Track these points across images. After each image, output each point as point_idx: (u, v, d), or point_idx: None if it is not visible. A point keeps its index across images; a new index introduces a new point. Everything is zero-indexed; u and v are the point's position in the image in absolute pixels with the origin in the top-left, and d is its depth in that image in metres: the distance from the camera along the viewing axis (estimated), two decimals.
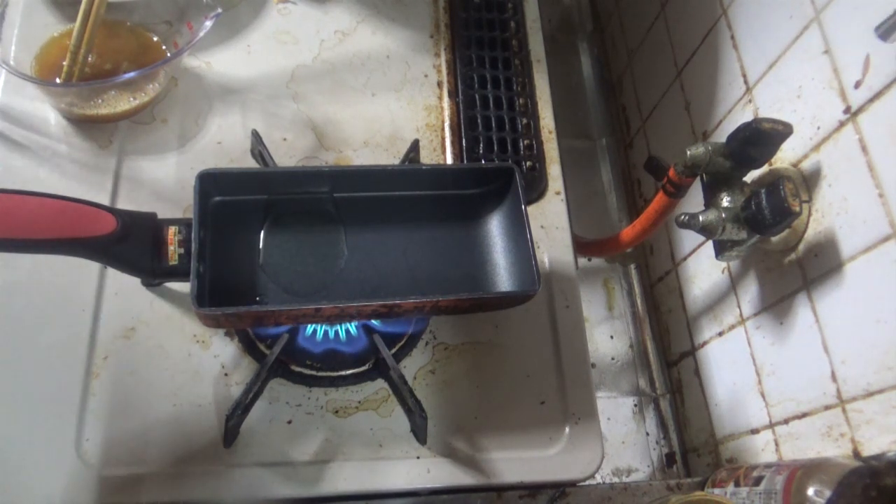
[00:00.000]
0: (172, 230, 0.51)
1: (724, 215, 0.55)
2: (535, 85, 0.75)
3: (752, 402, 0.64)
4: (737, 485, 0.55)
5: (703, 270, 0.73)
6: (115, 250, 0.49)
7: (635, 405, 0.82)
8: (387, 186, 0.59)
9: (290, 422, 0.56)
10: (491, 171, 0.60)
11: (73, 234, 0.46)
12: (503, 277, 0.58)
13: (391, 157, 0.68)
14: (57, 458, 0.52)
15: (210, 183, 0.53)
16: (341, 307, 0.50)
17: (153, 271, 0.50)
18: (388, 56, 0.74)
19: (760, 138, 0.53)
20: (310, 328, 0.57)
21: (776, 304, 0.60)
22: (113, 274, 0.58)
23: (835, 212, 0.53)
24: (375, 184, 0.58)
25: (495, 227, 0.60)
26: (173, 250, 0.50)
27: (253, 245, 0.56)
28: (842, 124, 0.52)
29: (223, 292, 0.52)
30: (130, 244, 0.49)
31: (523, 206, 0.56)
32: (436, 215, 0.60)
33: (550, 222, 0.68)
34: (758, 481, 0.52)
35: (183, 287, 0.59)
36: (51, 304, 0.57)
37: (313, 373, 0.58)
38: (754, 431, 0.64)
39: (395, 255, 0.58)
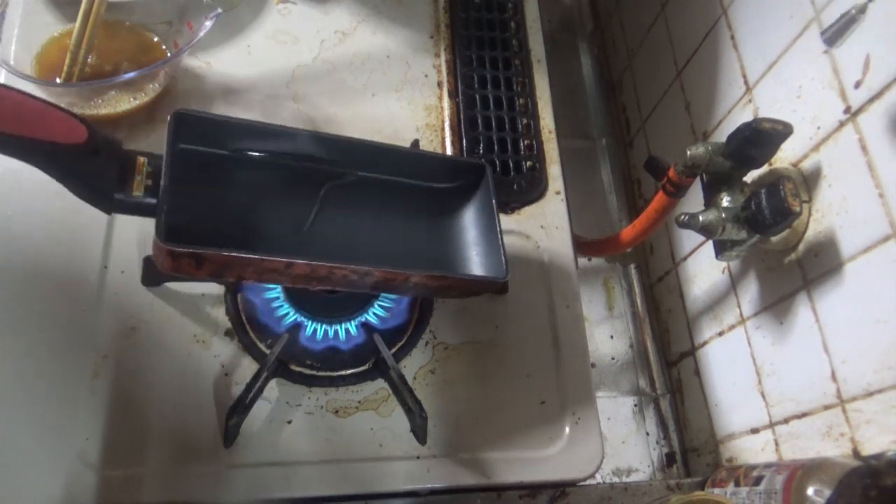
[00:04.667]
0: (142, 160, 0.48)
1: (724, 215, 0.55)
2: (535, 85, 0.75)
3: (752, 402, 0.64)
4: (737, 485, 0.55)
5: (703, 270, 0.73)
6: (81, 165, 0.46)
7: (635, 405, 0.82)
8: (367, 165, 0.58)
9: (290, 422, 0.56)
10: (463, 165, 0.62)
11: (47, 137, 0.44)
12: (473, 265, 0.59)
13: None
14: (57, 457, 0.52)
15: (185, 125, 0.50)
16: (313, 265, 0.48)
17: (114, 201, 0.47)
18: (388, 56, 0.74)
19: (760, 138, 0.53)
20: (310, 328, 0.57)
21: (776, 304, 0.60)
22: (113, 274, 0.58)
23: (835, 212, 0.53)
24: (356, 158, 0.58)
25: (467, 221, 0.61)
26: (140, 181, 0.47)
27: (221, 198, 0.54)
28: (842, 124, 0.52)
29: (185, 238, 0.47)
30: (98, 163, 0.46)
31: (493, 201, 0.58)
32: (411, 204, 0.60)
33: (550, 222, 0.68)
34: (758, 481, 0.52)
35: (183, 287, 0.59)
36: (51, 303, 0.57)
37: (313, 373, 0.58)
38: (754, 431, 0.64)
39: (367, 234, 0.57)
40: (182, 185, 0.49)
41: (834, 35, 0.49)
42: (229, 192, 0.54)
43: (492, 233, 0.57)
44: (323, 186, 0.56)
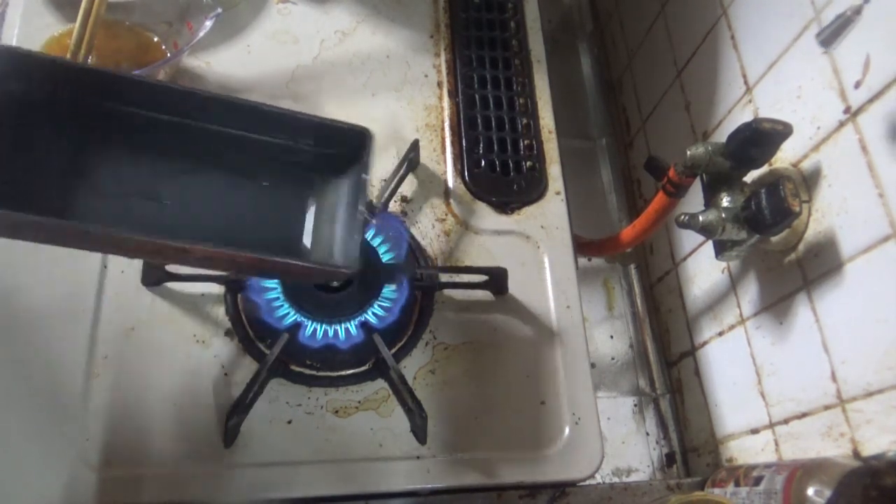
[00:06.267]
0: None
1: (724, 215, 0.55)
2: (535, 85, 0.75)
3: (752, 402, 0.64)
4: (737, 485, 0.55)
5: (703, 270, 0.73)
6: None
7: (635, 405, 0.82)
8: (227, 120, 0.50)
9: (290, 422, 0.56)
10: (340, 129, 0.53)
11: None
12: (327, 247, 0.51)
13: (391, 157, 0.67)
14: (57, 457, 0.52)
15: (9, 65, 0.43)
16: (112, 236, 0.42)
17: None
18: (388, 56, 0.74)
19: (760, 138, 0.53)
20: (310, 328, 0.57)
21: (776, 304, 0.60)
22: (113, 274, 0.58)
23: (835, 212, 0.53)
24: (214, 113, 0.50)
25: (339, 196, 0.53)
26: None
27: (48, 155, 0.46)
28: (842, 124, 0.52)
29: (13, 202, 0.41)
30: None
31: (365, 176, 0.50)
32: (275, 168, 0.53)
33: (550, 222, 0.68)
34: (758, 481, 0.52)
35: (183, 287, 0.59)
36: (51, 304, 0.57)
37: (313, 373, 0.58)
38: (754, 431, 0.64)
39: (216, 207, 0.51)
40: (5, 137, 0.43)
41: (830, 37, 0.49)
42: (59, 149, 0.47)
43: (354, 212, 0.49)
44: (174, 145, 0.49)
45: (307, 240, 0.52)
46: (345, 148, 0.52)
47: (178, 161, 0.50)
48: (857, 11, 0.48)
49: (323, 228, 0.52)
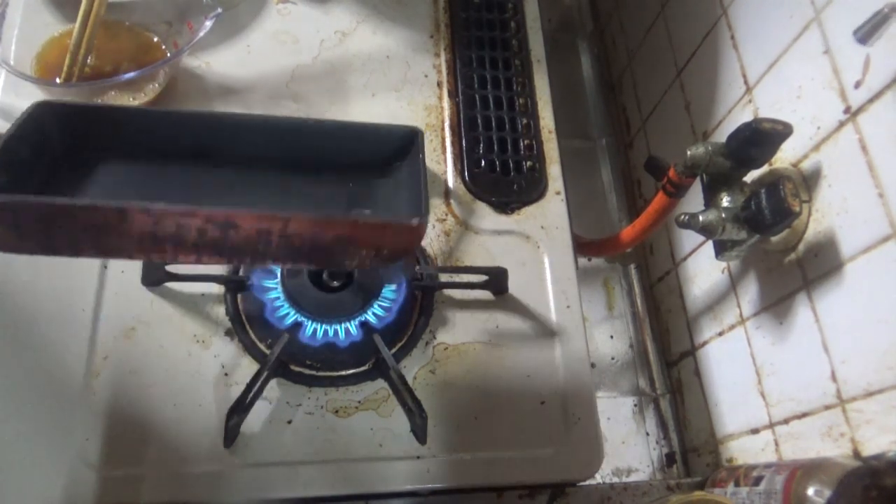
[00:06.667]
0: None
1: (724, 215, 0.55)
2: (535, 85, 0.75)
3: (752, 402, 0.64)
4: (737, 485, 0.55)
5: (703, 270, 0.73)
6: None
7: (635, 405, 0.82)
8: (274, 144, 0.48)
9: (290, 422, 0.56)
10: (396, 132, 0.51)
11: None
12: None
13: None
14: (57, 457, 0.52)
15: (51, 119, 0.42)
16: (155, 213, 0.38)
17: None
18: (388, 56, 0.74)
19: (760, 138, 0.53)
20: (310, 328, 0.57)
21: (776, 304, 0.60)
22: (113, 274, 0.58)
23: (835, 212, 0.53)
24: (257, 138, 0.48)
25: (389, 188, 0.51)
26: None
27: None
28: (842, 124, 0.52)
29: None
30: None
31: (422, 157, 0.48)
32: (328, 181, 0.50)
33: (550, 222, 0.68)
34: (758, 481, 0.52)
35: (183, 287, 0.59)
36: (51, 304, 0.57)
37: (313, 373, 0.58)
38: (754, 431, 0.64)
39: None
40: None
41: (868, 33, 0.48)
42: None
43: (415, 184, 0.46)
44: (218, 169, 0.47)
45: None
46: (389, 148, 0.51)
47: (222, 172, 0.48)
48: (895, 9, 0.47)
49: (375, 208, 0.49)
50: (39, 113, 0.42)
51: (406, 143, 0.51)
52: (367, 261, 0.43)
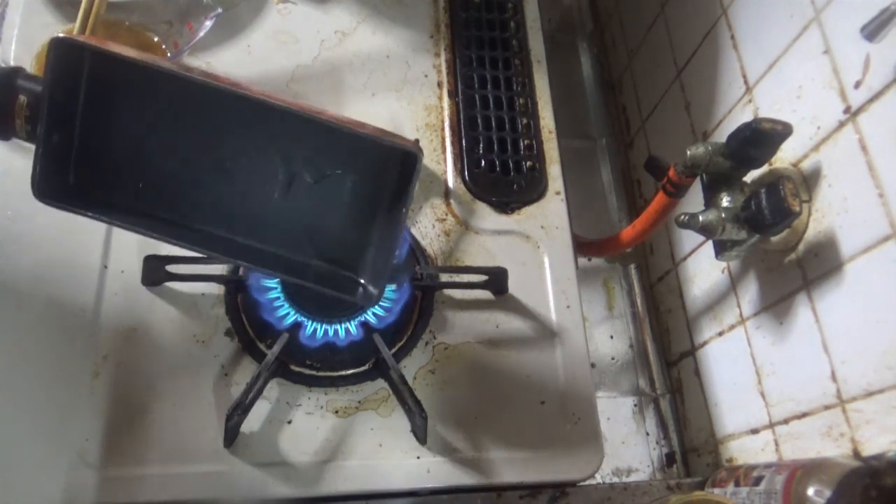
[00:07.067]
0: (21, 100, 0.40)
1: (724, 215, 0.55)
2: (535, 85, 0.75)
3: (752, 402, 0.64)
4: (737, 485, 0.55)
5: (703, 270, 0.73)
6: None
7: (635, 405, 0.82)
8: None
9: (290, 422, 0.56)
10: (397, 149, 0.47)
11: None
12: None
13: None
14: (57, 457, 0.52)
15: (76, 63, 0.40)
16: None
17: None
18: (388, 56, 0.74)
19: (760, 138, 0.53)
20: (310, 328, 0.57)
21: (776, 304, 0.60)
22: (113, 274, 0.58)
23: (835, 212, 0.53)
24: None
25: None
26: (20, 125, 0.41)
27: (131, 142, 0.45)
28: (842, 124, 0.52)
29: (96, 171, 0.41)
30: None
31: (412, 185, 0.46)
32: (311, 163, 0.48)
33: (550, 222, 0.68)
34: (758, 481, 0.52)
35: (183, 287, 0.59)
36: (51, 304, 0.57)
37: (313, 373, 0.58)
38: (754, 431, 0.64)
39: (269, 186, 0.48)
40: (80, 124, 0.42)
41: (875, 30, 0.48)
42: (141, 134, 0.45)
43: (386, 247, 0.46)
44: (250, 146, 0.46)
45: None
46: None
47: (247, 138, 0.46)
48: None
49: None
50: (63, 52, 0.41)
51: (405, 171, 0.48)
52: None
